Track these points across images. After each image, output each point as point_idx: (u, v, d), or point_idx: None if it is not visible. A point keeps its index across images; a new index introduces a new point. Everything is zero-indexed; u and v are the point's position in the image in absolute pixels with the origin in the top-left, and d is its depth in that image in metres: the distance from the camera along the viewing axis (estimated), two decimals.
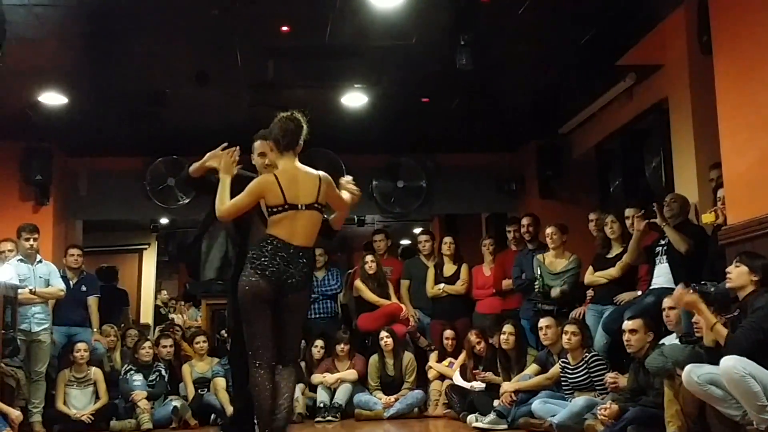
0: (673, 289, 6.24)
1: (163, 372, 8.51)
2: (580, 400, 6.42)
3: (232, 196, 4.98)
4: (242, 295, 4.81)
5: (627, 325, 6.13)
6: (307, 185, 4.93)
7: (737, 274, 5.00)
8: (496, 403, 7.29)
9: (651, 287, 6.79)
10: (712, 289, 5.20)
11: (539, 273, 7.88)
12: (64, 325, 8.50)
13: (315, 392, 8.62)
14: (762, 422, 4.53)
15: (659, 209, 6.65)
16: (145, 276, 14.45)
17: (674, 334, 5.91)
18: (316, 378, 8.72)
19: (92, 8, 6.60)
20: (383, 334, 8.70)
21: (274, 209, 4.87)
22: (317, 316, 9.54)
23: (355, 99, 8.74)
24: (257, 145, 5.58)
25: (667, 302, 6.00)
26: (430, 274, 9.16)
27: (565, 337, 6.86)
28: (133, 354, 8.70)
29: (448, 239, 9.38)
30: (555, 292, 7.78)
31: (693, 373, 4.78)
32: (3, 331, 7.31)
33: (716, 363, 4.68)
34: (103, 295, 9.15)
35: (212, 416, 8.42)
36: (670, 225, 6.56)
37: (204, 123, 9.50)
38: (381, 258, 9.50)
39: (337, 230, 5.35)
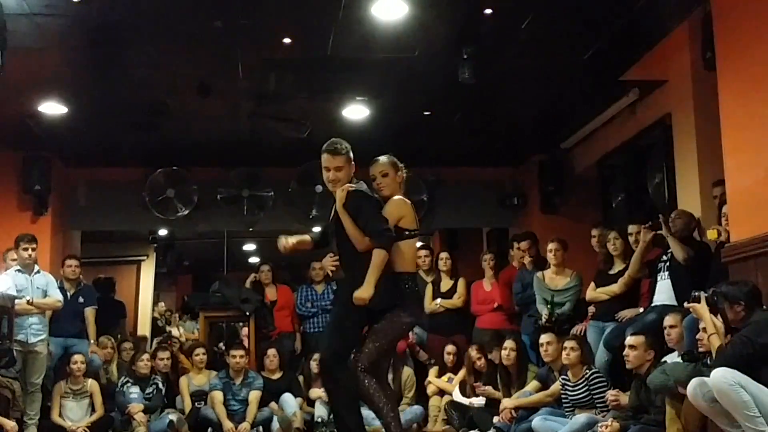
0: (674, 307, 6.24)
1: (160, 385, 8.45)
2: (580, 418, 6.37)
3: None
4: (402, 331, 5.18)
5: (629, 340, 6.11)
6: None
7: (729, 313, 5.01)
8: (495, 419, 7.24)
9: (653, 304, 6.75)
10: (703, 293, 5.22)
11: (547, 302, 7.79)
12: (60, 337, 8.45)
13: (313, 407, 8.56)
14: None
15: (665, 221, 6.63)
16: (143, 288, 14.39)
17: (676, 352, 5.86)
18: (314, 392, 8.66)
19: (94, 18, 6.58)
20: None
21: (410, 232, 5.11)
22: (316, 330, 9.50)
23: (356, 112, 8.73)
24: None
25: (668, 320, 5.96)
26: (428, 290, 9.10)
27: (564, 353, 6.82)
28: (130, 366, 8.65)
29: (444, 255, 9.33)
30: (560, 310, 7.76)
31: (699, 389, 4.73)
32: None
33: None
34: (101, 307, 9.10)
35: (209, 430, 8.36)
36: (674, 236, 6.53)
37: (205, 134, 9.51)
38: None
39: None
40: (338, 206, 5.03)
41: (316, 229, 9.50)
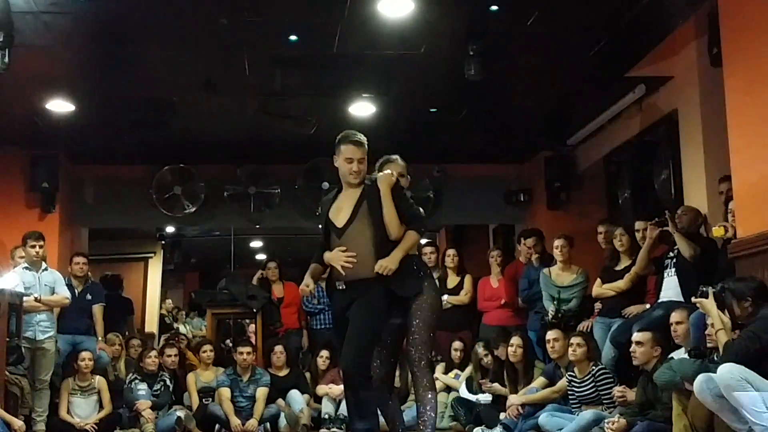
0: (681, 303, 6.24)
1: (168, 381, 8.47)
2: (587, 414, 6.37)
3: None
4: (438, 308, 5.30)
5: (635, 336, 6.11)
6: None
7: (737, 309, 5.03)
8: (502, 416, 7.25)
9: (659, 300, 6.75)
10: (711, 289, 5.23)
11: (554, 298, 7.79)
12: (68, 334, 8.47)
13: (320, 403, 8.58)
14: (759, 429, 4.50)
15: (671, 217, 6.63)
16: (151, 285, 14.42)
17: (683, 348, 5.86)
18: (321, 389, 8.67)
19: (100, 16, 6.60)
20: None
21: None
22: (323, 326, 9.52)
23: (362, 108, 8.72)
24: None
25: (674, 317, 5.96)
26: None
27: (570, 349, 6.83)
28: (138, 363, 8.67)
29: (451, 251, 9.33)
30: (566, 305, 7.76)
31: (706, 385, 4.74)
32: (7, 339, 7.28)
33: None
34: (108, 304, 9.11)
35: (216, 426, 8.39)
36: (680, 232, 6.53)
37: (211, 132, 9.51)
38: None
39: None
40: (386, 190, 4.99)
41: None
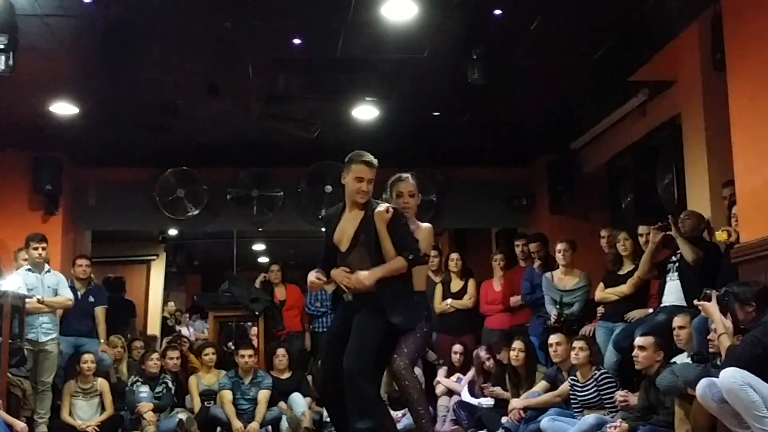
0: (684, 307, 6.23)
1: (170, 384, 8.47)
2: (589, 418, 6.36)
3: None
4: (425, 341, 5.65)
5: (638, 341, 6.10)
6: None
7: (740, 314, 5.03)
8: (504, 420, 7.23)
9: (662, 305, 6.74)
10: (714, 292, 5.22)
11: (556, 302, 7.79)
12: (71, 336, 8.48)
13: (322, 406, 8.56)
14: None
15: (674, 221, 6.62)
16: (153, 287, 14.44)
17: (685, 353, 5.86)
18: None
19: (104, 19, 6.63)
20: None
21: (428, 257, 5.43)
22: (325, 329, 9.51)
23: (366, 112, 8.72)
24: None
25: (677, 321, 5.95)
26: (438, 290, 9.10)
27: (573, 353, 6.81)
28: (139, 365, 8.68)
29: (454, 255, 9.33)
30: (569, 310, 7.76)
31: (708, 389, 4.73)
32: (10, 341, 7.30)
33: None
34: (111, 306, 9.13)
35: (218, 429, 8.39)
36: (683, 236, 6.53)
37: (214, 135, 9.53)
38: None
39: None
40: (381, 226, 5.01)
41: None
